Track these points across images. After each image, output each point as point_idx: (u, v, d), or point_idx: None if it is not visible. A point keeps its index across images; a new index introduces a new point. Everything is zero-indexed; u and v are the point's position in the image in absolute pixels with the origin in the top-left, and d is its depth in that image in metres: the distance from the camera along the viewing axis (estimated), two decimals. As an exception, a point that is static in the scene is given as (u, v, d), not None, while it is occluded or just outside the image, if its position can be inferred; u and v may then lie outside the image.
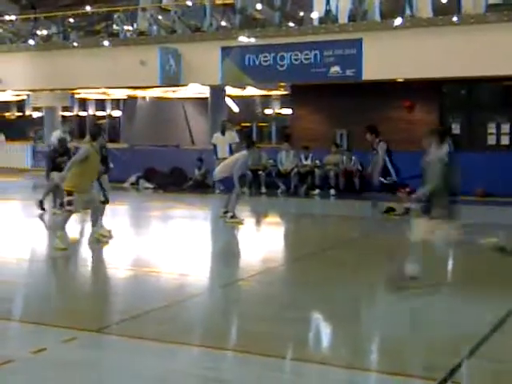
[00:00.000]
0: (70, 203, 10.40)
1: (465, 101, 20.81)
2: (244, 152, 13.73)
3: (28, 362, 5.60)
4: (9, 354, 5.70)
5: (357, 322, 7.12)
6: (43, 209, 14.54)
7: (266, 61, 21.15)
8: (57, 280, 9.27)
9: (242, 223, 13.38)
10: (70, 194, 10.45)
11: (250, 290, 8.45)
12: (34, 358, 5.66)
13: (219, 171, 13.96)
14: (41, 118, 31.80)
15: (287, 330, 6.53)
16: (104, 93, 31.64)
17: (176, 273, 9.32)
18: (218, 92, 25.19)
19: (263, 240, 12.71)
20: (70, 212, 10.52)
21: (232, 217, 13.53)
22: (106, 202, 11.90)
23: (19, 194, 19.35)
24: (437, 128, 12.39)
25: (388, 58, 19.19)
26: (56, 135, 15.41)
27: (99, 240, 11.03)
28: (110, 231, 11.41)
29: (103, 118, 37.91)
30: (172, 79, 22.50)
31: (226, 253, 11.40)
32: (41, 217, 14.23)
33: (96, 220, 11.04)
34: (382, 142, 14.28)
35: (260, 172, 19.77)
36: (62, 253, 10.31)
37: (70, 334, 6.26)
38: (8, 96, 30.88)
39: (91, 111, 38.46)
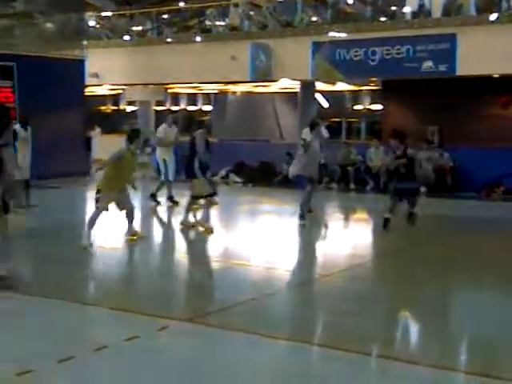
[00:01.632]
0: (97, 201, 10.42)
1: None
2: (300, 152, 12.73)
3: (121, 349, 5.81)
4: (103, 341, 5.93)
5: (445, 320, 7.03)
6: (157, 202, 14.93)
7: (357, 56, 21.00)
8: (150, 269, 9.52)
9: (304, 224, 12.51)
10: (98, 192, 10.51)
11: (337, 285, 8.45)
12: (127, 345, 5.87)
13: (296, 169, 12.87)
14: (135, 112, 32.61)
15: (373, 327, 6.52)
16: (196, 87, 32.15)
17: (264, 266, 9.44)
18: (308, 87, 25.17)
19: (350, 236, 12.67)
20: (98, 210, 10.38)
21: (301, 216, 12.52)
22: (213, 194, 11.84)
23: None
24: None
25: (483, 53, 18.71)
26: (162, 129, 15.39)
27: (131, 239, 10.82)
28: (210, 228, 11.53)
29: (195, 112, 38.51)
30: (263, 74, 22.66)
31: (313, 248, 11.44)
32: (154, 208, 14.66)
33: (131, 220, 10.81)
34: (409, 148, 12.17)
35: (349, 168, 19.66)
36: (155, 242, 10.60)
37: (163, 322, 6.46)
38: (104, 90, 31.80)
39: (183, 105, 39.13)
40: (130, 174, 10.83)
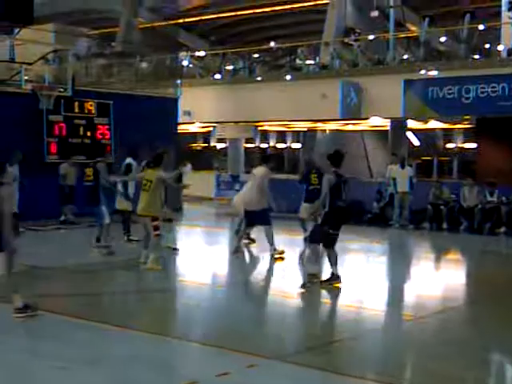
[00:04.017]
0: (157, 228, 11.06)
1: None
2: None
3: (212, 385, 5.79)
4: (194, 376, 5.92)
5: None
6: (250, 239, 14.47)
7: (450, 93, 20.66)
8: (237, 304, 9.50)
9: None
10: (156, 219, 11.11)
11: (432, 328, 8.19)
12: (218, 381, 5.84)
13: None
14: (224, 149, 33.08)
15: (469, 373, 6.25)
16: (285, 125, 32.37)
17: (356, 305, 9.27)
18: (399, 125, 24.91)
19: (444, 277, 12.30)
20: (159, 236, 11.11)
21: None
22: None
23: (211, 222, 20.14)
24: None
25: None
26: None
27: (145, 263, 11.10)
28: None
29: (283, 149, 38.74)
30: (353, 112, 22.59)
31: (406, 288, 11.16)
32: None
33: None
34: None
35: (442, 207, 19.21)
36: (241, 278, 10.59)
37: (252, 359, 6.40)
38: (195, 128, 32.44)
39: (272, 143, 39.43)
40: None
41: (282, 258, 12.56)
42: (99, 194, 12.01)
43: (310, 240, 10.29)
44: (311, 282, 9.78)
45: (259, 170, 12.82)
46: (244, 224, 13.15)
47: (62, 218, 16.72)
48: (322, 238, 9.88)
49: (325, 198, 9.87)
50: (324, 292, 9.98)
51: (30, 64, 14.68)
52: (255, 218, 12.73)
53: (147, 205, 11.14)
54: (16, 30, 14.71)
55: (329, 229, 9.81)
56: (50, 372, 5.99)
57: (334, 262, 9.91)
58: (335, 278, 9.90)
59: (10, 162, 12.26)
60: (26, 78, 14.48)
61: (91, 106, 19.17)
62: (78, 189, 14.38)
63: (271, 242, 12.67)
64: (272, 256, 12.57)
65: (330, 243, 9.91)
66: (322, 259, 10.49)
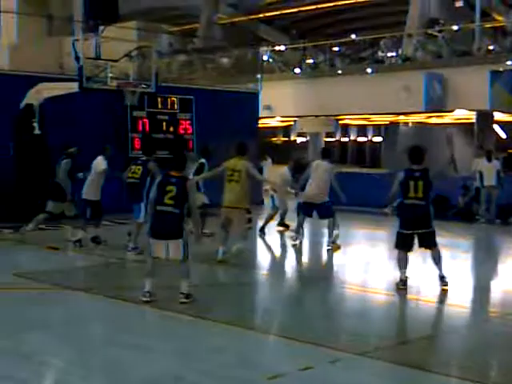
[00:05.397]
0: (250, 220, 10.95)
1: None
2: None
3: (295, 379, 5.77)
4: (278, 369, 5.92)
5: None
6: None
7: (540, 84, 20.00)
8: (320, 300, 9.45)
9: None
10: (249, 211, 11.23)
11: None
12: (302, 375, 5.82)
13: None
14: (304, 143, 33.01)
15: None
16: (366, 119, 32.03)
17: (440, 302, 9.08)
18: (485, 117, 24.24)
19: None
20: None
21: None
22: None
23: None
24: None
25: None
26: None
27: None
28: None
29: (364, 143, 38.36)
30: (437, 105, 22.15)
31: (493, 285, 10.85)
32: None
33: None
34: None
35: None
36: (319, 270, 10.51)
37: (334, 354, 6.35)
38: (275, 122, 32.50)
39: (353, 137, 39.11)
40: None
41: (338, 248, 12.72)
42: (142, 191, 11.81)
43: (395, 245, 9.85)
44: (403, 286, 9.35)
45: (320, 164, 12.75)
46: (301, 215, 13.17)
47: None
48: (398, 241, 9.47)
49: (393, 195, 9.64)
50: (410, 289, 9.81)
51: (115, 61, 14.97)
52: (318, 210, 12.74)
53: (239, 196, 10.94)
54: (101, 28, 15.04)
55: (400, 229, 9.46)
56: (133, 357, 6.10)
57: (403, 266, 9.34)
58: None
59: (105, 156, 12.69)
60: (110, 75, 14.77)
61: (174, 101, 19.46)
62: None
63: (331, 235, 12.81)
64: (329, 248, 12.76)
65: (405, 245, 9.39)
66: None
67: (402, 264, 9.40)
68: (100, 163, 12.59)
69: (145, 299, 8.11)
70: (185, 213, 8.21)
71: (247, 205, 11.20)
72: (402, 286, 9.31)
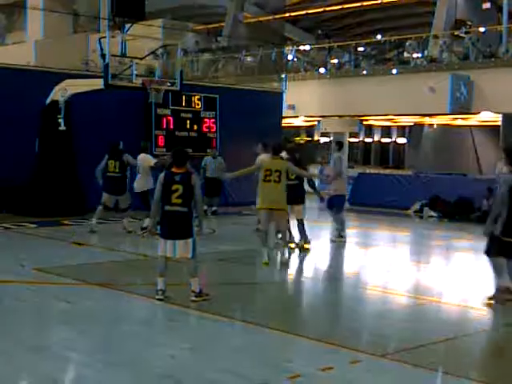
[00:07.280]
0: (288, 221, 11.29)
1: None
2: None
3: (315, 379, 5.76)
4: (298, 369, 5.92)
5: None
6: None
7: None
8: (342, 301, 9.42)
9: None
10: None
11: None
12: (322, 375, 5.80)
13: None
14: (327, 144, 32.91)
15: None
16: (391, 119, 31.88)
17: (459, 305, 9.01)
18: (511, 120, 24.01)
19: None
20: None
21: None
22: None
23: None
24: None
25: None
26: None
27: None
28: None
29: (388, 144, 38.16)
30: (462, 107, 21.99)
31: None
32: None
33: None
34: None
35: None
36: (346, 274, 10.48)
37: (356, 356, 6.33)
38: (299, 121, 32.44)
39: (376, 137, 38.93)
40: None
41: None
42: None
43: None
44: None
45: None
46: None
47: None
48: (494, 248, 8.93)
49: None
50: (430, 291, 9.75)
51: (140, 59, 15.06)
52: (333, 202, 13.40)
53: (282, 197, 10.60)
54: (127, 26, 15.13)
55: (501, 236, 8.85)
56: (161, 359, 6.13)
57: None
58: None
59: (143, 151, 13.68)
60: (135, 72, 14.85)
61: (198, 99, 19.52)
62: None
63: (341, 229, 13.37)
64: (334, 240, 13.51)
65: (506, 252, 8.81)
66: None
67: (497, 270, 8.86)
68: (147, 160, 13.49)
69: (158, 297, 8.08)
70: (192, 210, 8.12)
71: (286, 206, 10.93)
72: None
